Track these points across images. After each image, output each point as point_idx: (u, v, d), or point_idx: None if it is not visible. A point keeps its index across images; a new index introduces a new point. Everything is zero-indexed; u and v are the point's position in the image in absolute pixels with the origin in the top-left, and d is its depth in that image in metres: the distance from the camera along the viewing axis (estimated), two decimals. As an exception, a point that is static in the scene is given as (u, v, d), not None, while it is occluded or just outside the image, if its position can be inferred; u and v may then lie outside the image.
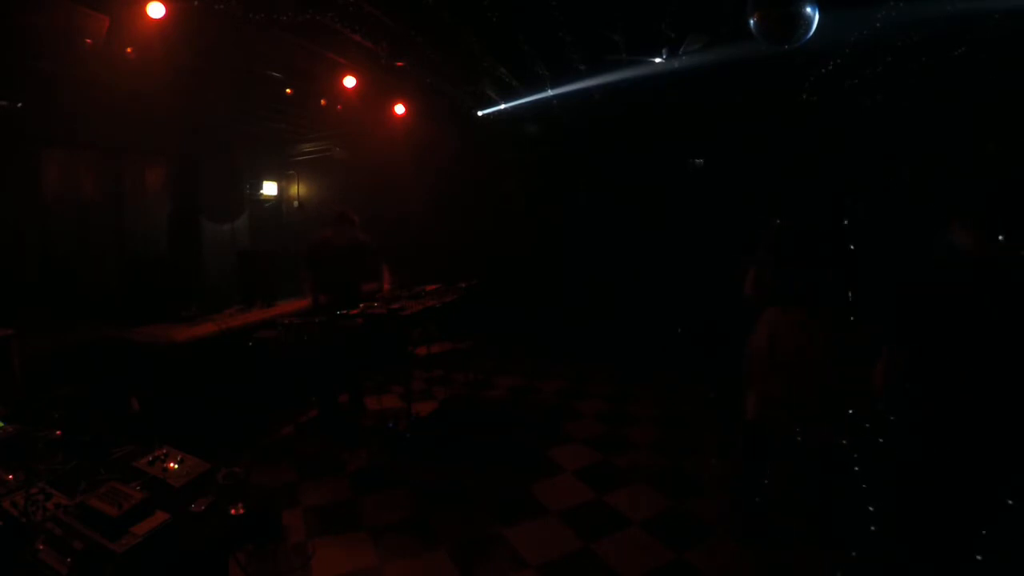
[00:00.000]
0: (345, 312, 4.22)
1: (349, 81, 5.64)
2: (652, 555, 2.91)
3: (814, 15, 3.47)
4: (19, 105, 4.69)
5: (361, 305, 4.34)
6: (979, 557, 2.23)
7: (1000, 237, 2.21)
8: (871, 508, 2.78)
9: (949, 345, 2.23)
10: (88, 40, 3.99)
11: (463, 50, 5.35)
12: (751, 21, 3.60)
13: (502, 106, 7.18)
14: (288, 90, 5.78)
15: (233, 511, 1.63)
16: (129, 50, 4.24)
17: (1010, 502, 2.20)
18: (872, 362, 2.55)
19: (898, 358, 2.41)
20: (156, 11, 3.92)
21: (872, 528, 2.71)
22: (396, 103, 6.69)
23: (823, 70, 4.99)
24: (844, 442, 3.27)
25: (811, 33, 3.54)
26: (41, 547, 1.40)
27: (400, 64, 5.53)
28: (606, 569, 2.81)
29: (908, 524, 2.44)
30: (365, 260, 4.75)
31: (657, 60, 5.51)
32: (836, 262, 3.34)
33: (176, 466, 1.79)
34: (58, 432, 1.97)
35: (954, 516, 2.26)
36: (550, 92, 6.54)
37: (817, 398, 2.98)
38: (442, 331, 5.67)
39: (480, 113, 7.41)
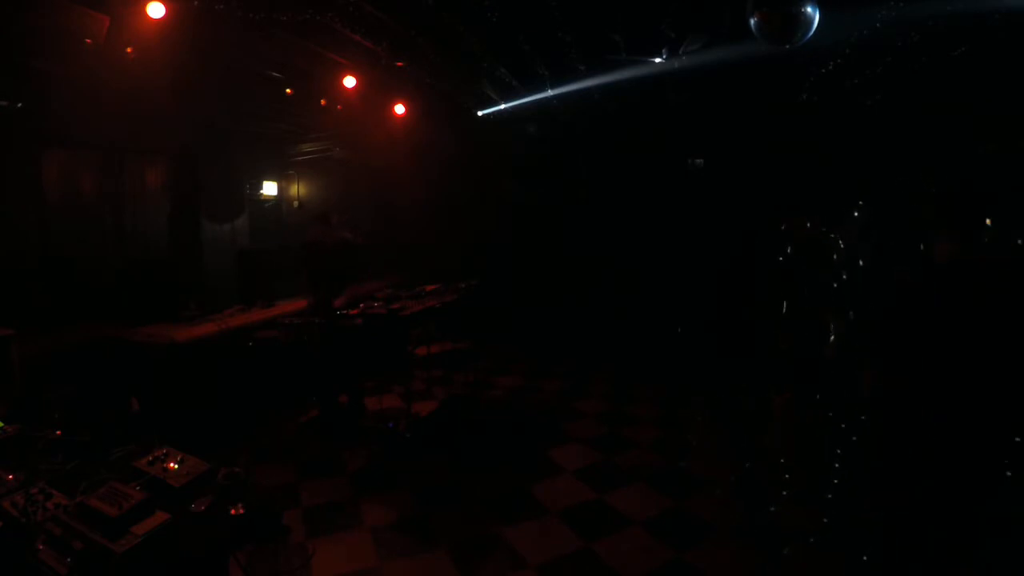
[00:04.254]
0: (345, 312, 4.22)
1: (349, 81, 5.64)
2: (652, 555, 2.90)
3: (814, 15, 3.47)
4: (19, 105, 4.69)
5: (361, 305, 4.35)
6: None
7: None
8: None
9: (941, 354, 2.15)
10: (88, 40, 4.00)
11: (463, 50, 5.35)
12: (751, 21, 3.60)
13: (502, 106, 7.18)
14: (288, 90, 5.78)
15: (233, 511, 1.63)
16: (129, 50, 4.25)
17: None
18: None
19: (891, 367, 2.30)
20: (156, 11, 3.92)
21: (871, 528, 2.70)
22: (396, 103, 6.69)
23: (823, 70, 4.98)
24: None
25: (811, 33, 3.54)
26: (41, 547, 1.40)
27: (400, 64, 5.53)
28: (606, 569, 2.81)
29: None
30: (353, 258, 4.78)
31: (657, 60, 5.51)
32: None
33: (176, 466, 1.78)
34: (58, 432, 1.96)
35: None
36: (550, 92, 6.53)
37: None
38: (442, 331, 5.67)
39: (480, 113, 7.41)
